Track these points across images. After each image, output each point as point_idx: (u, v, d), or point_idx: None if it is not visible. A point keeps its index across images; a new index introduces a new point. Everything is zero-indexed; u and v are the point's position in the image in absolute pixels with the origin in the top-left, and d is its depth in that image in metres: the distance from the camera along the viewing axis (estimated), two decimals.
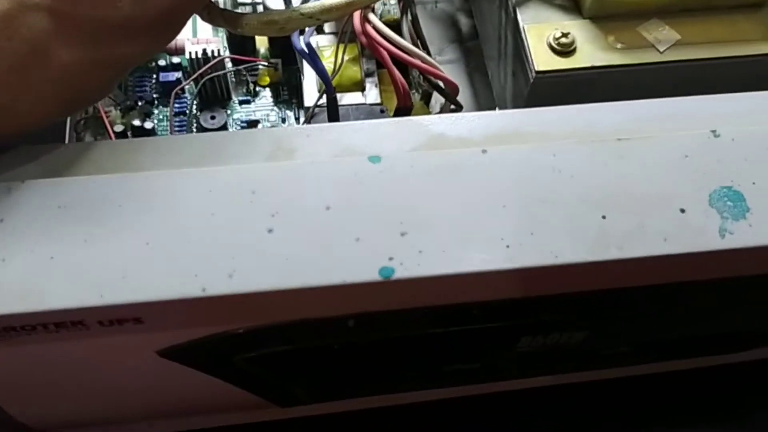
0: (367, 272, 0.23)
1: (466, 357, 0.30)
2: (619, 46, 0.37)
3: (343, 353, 0.27)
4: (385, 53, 0.34)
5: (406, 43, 0.33)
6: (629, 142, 0.26)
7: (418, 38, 0.37)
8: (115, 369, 0.27)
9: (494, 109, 0.43)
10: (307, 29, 0.35)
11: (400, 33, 0.40)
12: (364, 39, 0.35)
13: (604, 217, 0.25)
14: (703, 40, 0.37)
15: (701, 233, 0.24)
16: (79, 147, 0.26)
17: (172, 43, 0.42)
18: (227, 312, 0.24)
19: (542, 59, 0.36)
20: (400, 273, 0.23)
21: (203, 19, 0.32)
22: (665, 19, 0.38)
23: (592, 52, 0.36)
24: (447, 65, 0.48)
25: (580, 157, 0.26)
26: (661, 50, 0.36)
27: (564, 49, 0.36)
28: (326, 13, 0.31)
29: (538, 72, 0.35)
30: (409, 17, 0.35)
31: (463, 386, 0.33)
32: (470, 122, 0.27)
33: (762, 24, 0.37)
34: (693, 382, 0.39)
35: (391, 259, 0.23)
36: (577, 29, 0.36)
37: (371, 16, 0.34)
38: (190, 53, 0.40)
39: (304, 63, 0.41)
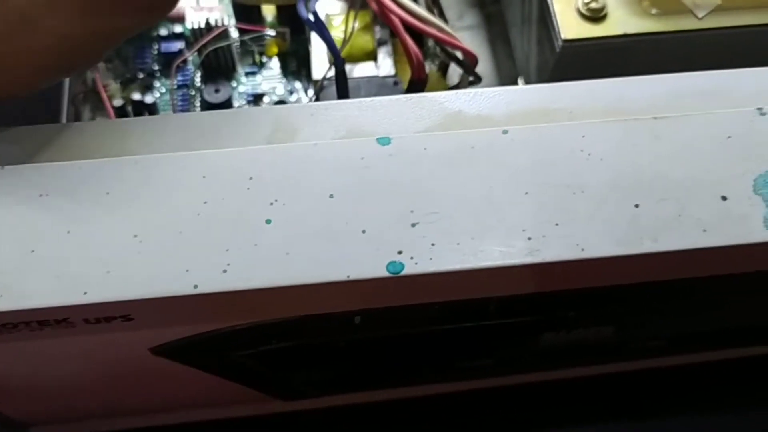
0: (373, 268, 0.21)
1: (483, 353, 0.28)
2: (654, 11, 0.34)
3: (350, 349, 0.25)
4: (396, 21, 0.31)
5: (420, 10, 0.31)
6: (666, 120, 0.24)
7: (434, 3, 0.34)
8: (106, 366, 0.25)
9: (516, 81, 0.41)
10: None
11: None
12: (374, 5, 0.32)
13: (637, 205, 0.22)
14: (747, 4, 0.34)
15: (744, 223, 0.22)
16: (64, 129, 0.24)
17: (174, 11, 0.40)
18: (225, 308, 0.22)
19: (570, 26, 0.33)
20: (410, 268, 0.21)
21: None
22: None
23: (624, 18, 0.33)
24: (466, 32, 0.45)
25: (612, 137, 0.23)
26: (700, 16, 0.34)
27: (594, 15, 0.33)
28: None
29: (565, 40, 0.33)
30: None
31: (479, 380, 0.31)
32: (490, 99, 0.25)
33: None
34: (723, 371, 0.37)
35: (400, 252, 0.21)
36: None
37: None
38: (192, 22, 0.37)
39: (312, 33, 0.38)
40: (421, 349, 0.27)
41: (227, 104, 0.39)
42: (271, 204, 0.22)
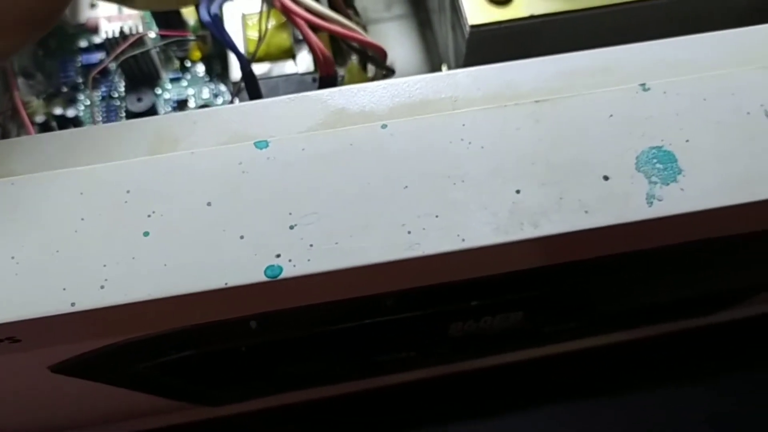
0: (251, 273, 0.21)
1: (392, 347, 0.28)
2: None
3: (254, 353, 0.25)
4: (298, 20, 0.31)
5: (322, 8, 0.31)
6: (547, 103, 0.23)
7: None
8: (11, 386, 0.25)
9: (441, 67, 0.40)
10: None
11: None
12: (278, 4, 0.32)
13: (518, 191, 0.22)
14: None
15: (626, 202, 0.22)
16: None
17: (90, 22, 0.40)
18: (111, 323, 0.22)
19: (476, 11, 0.33)
20: (288, 271, 0.21)
21: None
22: None
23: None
24: (395, 21, 0.45)
25: (492, 124, 0.23)
26: None
27: None
28: None
29: (472, 26, 0.32)
30: None
31: (396, 374, 0.31)
32: (374, 93, 0.24)
33: None
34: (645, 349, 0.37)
35: (278, 256, 0.21)
36: None
37: None
38: (106, 32, 0.37)
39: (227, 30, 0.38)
40: (327, 348, 0.27)
41: (151, 112, 0.39)
42: (149, 216, 0.22)
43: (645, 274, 0.27)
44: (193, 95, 0.39)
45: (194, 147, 0.23)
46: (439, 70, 0.41)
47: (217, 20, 0.31)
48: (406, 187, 0.22)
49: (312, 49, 0.31)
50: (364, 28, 0.36)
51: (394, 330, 0.27)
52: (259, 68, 0.37)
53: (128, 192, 0.22)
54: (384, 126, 0.23)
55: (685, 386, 0.37)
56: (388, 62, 0.44)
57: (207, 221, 0.22)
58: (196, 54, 0.41)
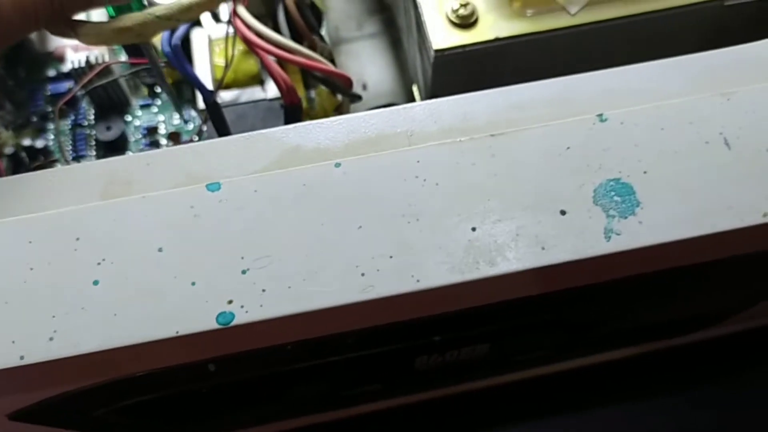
0: (202, 321, 0.21)
1: (359, 382, 0.28)
2: (529, 12, 0.34)
3: (216, 393, 0.25)
4: (261, 52, 0.31)
5: (280, 38, 0.30)
6: (503, 137, 0.23)
7: (306, 24, 0.34)
8: None
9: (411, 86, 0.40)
10: (180, 28, 0.32)
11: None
12: (240, 33, 0.32)
13: (474, 228, 0.22)
14: None
15: (583, 237, 0.22)
16: None
17: (57, 51, 0.39)
18: (64, 373, 0.22)
19: (440, 35, 0.33)
20: (241, 317, 0.21)
21: (51, 32, 0.29)
22: None
23: (495, 21, 0.33)
24: (368, 40, 0.45)
25: (448, 160, 0.23)
26: (573, 12, 0.33)
27: (464, 22, 0.33)
28: (186, 12, 0.28)
29: (436, 50, 0.32)
30: (282, 7, 0.32)
31: (373, 404, 0.31)
32: (329, 129, 0.24)
33: None
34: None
35: (230, 302, 0.21)
36: None
37: (240, 10, 0.31)
38: (72, 62, 0.37)
39: (194, 57, 0.38)
40: (291, 385, 0.27)
41: (121, 140, 0.38)
42: (99, 264, 0.21)
43: (608, 304, 0.26)
44: (164, 121, 0.39)
45: (147, 190, 0.23)
46: (412, 88, 0.41)
47: (178, 51, 0.31)
48: (360, 227, 0.22)
49: (274, 80, 0.31)
50: (330, 53, 0.35)
51: (357, 367, 0.26)
52: (227, 95, 0.37)
53: (78, 239, 0.22)
54: (338, 165, 0.23)
55: (656, 402, 0.37)
56: (362, 82, 0.43)
57: (158, 268, 0.21)
58: (167, 80, 0.40)
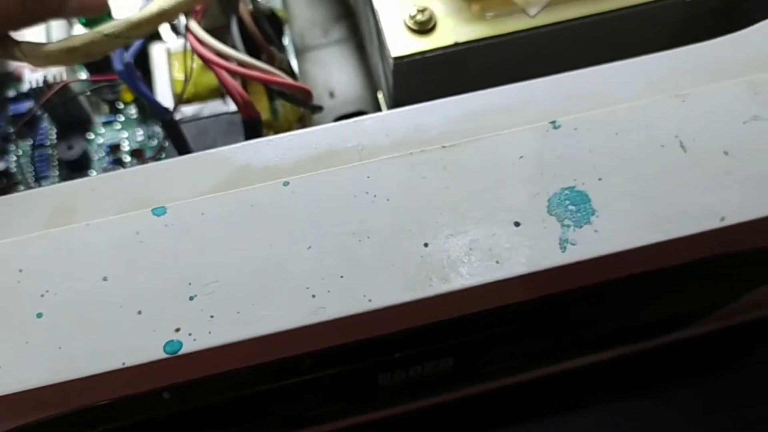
0: (149, 351, 0.20)
1: (320, 401, 0.27)
2: (489, 14, 0.33)
3: (174, 421, 0.24)
4: (216, 68, 0.30)
5: (235, 53, 0.30)
6: (455, 148, 0.23)
7: (263, 35, 0.33)
8: None
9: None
10: (134, 45, 0.31)
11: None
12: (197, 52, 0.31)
13: (426, 244, 0.21)
14: None
15: (538, 248, 0.21)
16: None
17: (14, 71, 0.39)
18: (11, 408, 0.21)
19: (398, 42, 0.32)
20: (189, 345, 0.20)
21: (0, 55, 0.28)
22: None
23: (455, 26, 0.32)
24: (334, 47, 0.45)
25: (398, 175, 0.22)
26: (532, 14, 0.33)
27: (422, 28, 0.32)
28: (135, 29, 0.28)
29: (395, 58, 0.32)
30: (236, 20, 0.31)
31: (342, 421, 0.31)
32: (278, 146, 0.24)
33: None
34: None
35: (177, 330, 0.20)
36: (439, 1, 0.33)
37: (192, 25, 0.30)
38: (29, 82, 0.36)
39: (153, 71, 0.37)
40: (250, 408, 0.26)
41: (83, 159, 0.38)
42: (42, 296, 0.21)
43: (570, 312, 0.26)
44: (127, 138, 0.38)
45: (92, 217, 0.22)
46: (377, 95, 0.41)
47: (131, 69, 0.30)
48: (310, 247, 0.21)
49: (230, 95, 0.30)
50: (289, 65, 0.35)
51: (317, 387, 0.26)
52: (188, 109, 0.36)
53: (21, 271, 0.21)
54: (286, 183, 0.22)
55: (631, 403, 0.37)
56: (329, 89, 0.43)
57: (103, 298, 0.21)
58: (128, 95, 0.40)
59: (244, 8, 0.34)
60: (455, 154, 0.22)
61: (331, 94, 0.43)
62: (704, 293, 0.29)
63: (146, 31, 0.28)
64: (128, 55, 0.31)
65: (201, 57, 0.30)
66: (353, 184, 0.22)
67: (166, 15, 0.28)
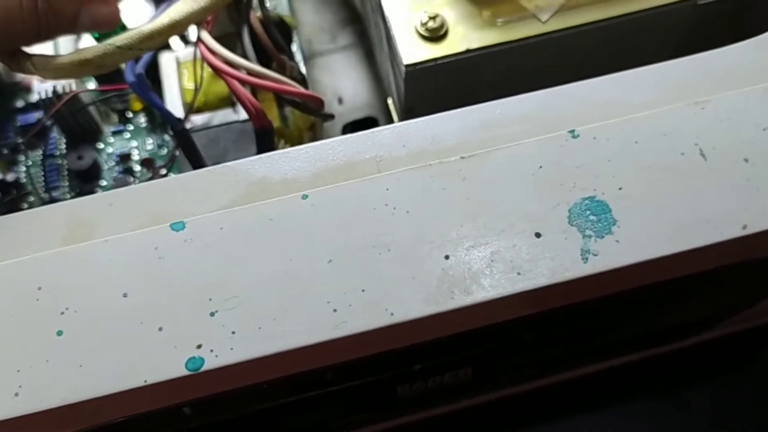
0: (171, 368, 0.20)
1: (342, 412, 0.27)
2: (500, 21, 0.33)
3: None
4: (227, 78, 0.30)
5: (247, 63, 0.30)
6: (473, 159, 0.23)
7: (273, 43, 0.33)
8: None
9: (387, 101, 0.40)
10: (145, 56, 0.31)
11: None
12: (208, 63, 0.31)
13: (447, 257, 0.21)
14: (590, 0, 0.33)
15: (560, 259, 0.21)
16: None
17: (23, 81, 0.39)
18: (35, 426, 0.21)
19: (410, 49, 0.32)
20: (211, 362, 0.20)
21: (11, 69, 0.28)
22: None
23: (466, 32, 0.32)
24: (341, 53, 0.44)
25: (418, 186, 0.22)
26: (543, 20, 0.32)
27: (433, 35, 0.32)
28: (147, 41, 0.28)
29: (407, 65, 0.32)
30: (247, 28, 0.31)
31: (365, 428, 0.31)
32: (296, 158, 0.24)
33: None
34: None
35: (199, 347, 0.20)
36: (450, 6, 0.32)
37: (204, 35, 0.30)
38: (38, 92, 0.36)
39: (163, 81, 0.37)
40: (272, 420, 0.26)
41: (93, 169, 0.38)
42: (62, 313, 0.21)
43: (591, 320, 0.26)
44: (137, 147, 0.38)
45: (110, 232, 0.22)
46: (387, 101, 0.40)
47: (143, 80, 0.30)
48: (330, 261, 0.21)
49: (242, 104, 0.30)
50: (299, 72, 0.35)
51: (338, 399, 0.26)
52: (198, 118, 0.36)
53: (40, 289, 0.21)
54: (305, 197, 0.22)
55: (645, 404, 0.37)
56: (338, 95, 0.43)
57: (123, 314, 0.21)
58: (138, 104, 0.40)
59: (254, 16, 0.33)
60: (474, 165, 0.22)
61: (340, 101, 0.43)
62: (723, 300, 0.29)
63: (158, 42, 0.28)
64: (139, 66, 0.30)
65: (213, 67, 0.30)
66: (372, 197, 0.22)
67: (178, 26, 0.28)
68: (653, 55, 0.35)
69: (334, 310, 0.21)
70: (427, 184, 0.22)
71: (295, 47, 0.42)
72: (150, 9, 0.38)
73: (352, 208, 0.22)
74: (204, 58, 0.30)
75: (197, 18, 0.29)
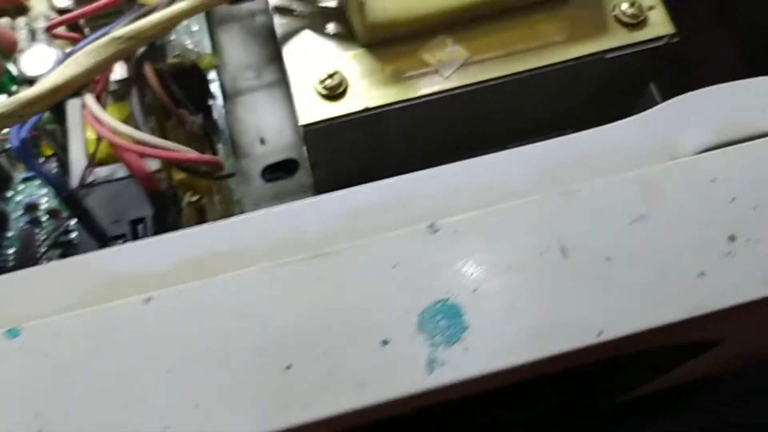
0: None
1: None
2: (402, 77, 0.32)
3: None
4: (116, 147, 0.29)
5: (133, 132, 0.29)
6: (327, 257, 0.22)
7: (171, 98, 0.32)
8: None
9: None
10: (30, 119, 0.30)
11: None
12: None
13: (289, 366, 0.20)
14: (499, 53, 0.32)
15: (405, 370, 0.20)
16: None
17: None
18: None
19: (308, 107, 0.31)
20: None
21: None
22: (456, 34, 0.32)
23: (367, 89, 0.31)
24: (265, 90, 0.43)
25: (267, 288, 0.21)
26: (445, 75, 0.31)
27: (332, 93, 0.31)
28: (29, 107, 0.27)
29: (303, 126, 0.31)
30: (135, 89, 0.30)
31: None
32: (150, 251, 0.23)
33: (566, 21, 0.32)
34: None
35: None
36: (353, 63, 0.32)
37: (87, 99, 0.29)
38: None
39: (69, 129, 0.36)
40: None
41: (0, 219, 0.37)
42: None
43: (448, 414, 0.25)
44: (45, 195, 0.38)
45: None
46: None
47: (27, 146, 0.29)
48: (169, 371, 0.20)
49: (129, 169, 0.29)
50: (200, 127, 0.34)
51: None
52: (103, 170, 0.35)
53: None
54: (148, 300, 0.21)
55: None
56: (260, 135, 0.42)
57: None
58: (47, 150, 0.39)
59: (150, 70, 0.32)
60: (328, 263, 0.22)
61: (262, 141, 0.42)
62: (615, 378, 0.28)
63: (41, 108, 0.27)
64: (24, 131, 0.30)
65: (98, 134, 0.29)
66: (221, 300, 0.21)
67: (61, 91, 0.27)
68: (561, 107, 0.34)
69: (167, 427, 0.20)
70: (277, 285, 0.21)
71: (215, 86, 0.41)
72: (54, 55, 0.37)
73: (198, 312, 0.21)
74: (90, 124, 0.29)
75: (81, 81, 0.28)
